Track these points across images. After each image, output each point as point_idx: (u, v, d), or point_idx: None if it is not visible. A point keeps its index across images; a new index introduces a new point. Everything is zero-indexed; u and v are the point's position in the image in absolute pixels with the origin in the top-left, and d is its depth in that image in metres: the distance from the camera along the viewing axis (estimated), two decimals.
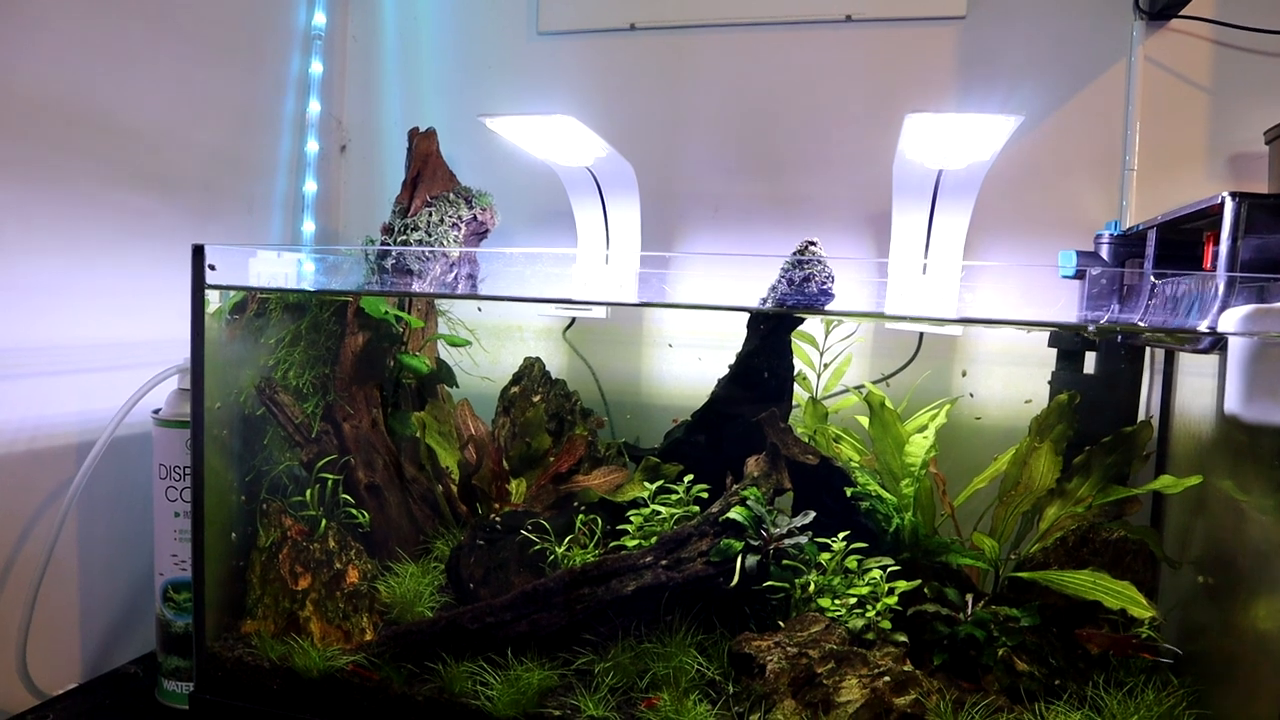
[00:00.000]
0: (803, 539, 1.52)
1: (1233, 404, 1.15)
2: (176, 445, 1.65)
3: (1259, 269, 1.20)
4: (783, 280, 1.49)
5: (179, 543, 1.66)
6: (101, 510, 1.78)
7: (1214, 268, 1.24)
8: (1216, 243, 1.24)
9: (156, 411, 1.68)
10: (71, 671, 1.77)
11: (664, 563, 1.52)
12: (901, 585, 1.49)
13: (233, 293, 1.70)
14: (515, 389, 2.01)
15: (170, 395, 1.70)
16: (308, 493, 1.70)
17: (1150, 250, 1.50)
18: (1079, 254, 1.63)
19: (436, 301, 2.00)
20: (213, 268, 1.53)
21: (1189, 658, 1.46)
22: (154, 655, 1.74)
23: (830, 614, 1.46)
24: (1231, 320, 1.14)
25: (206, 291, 1.54)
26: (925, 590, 1.53)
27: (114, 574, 1.83)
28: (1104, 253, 1.68)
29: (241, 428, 1.71)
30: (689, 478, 1.69)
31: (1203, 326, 1.20)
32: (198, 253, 1.52)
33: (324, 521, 1.68)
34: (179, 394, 1.68)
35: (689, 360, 2.16)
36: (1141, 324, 1.35)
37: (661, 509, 1.66)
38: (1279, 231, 1.22)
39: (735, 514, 1.53)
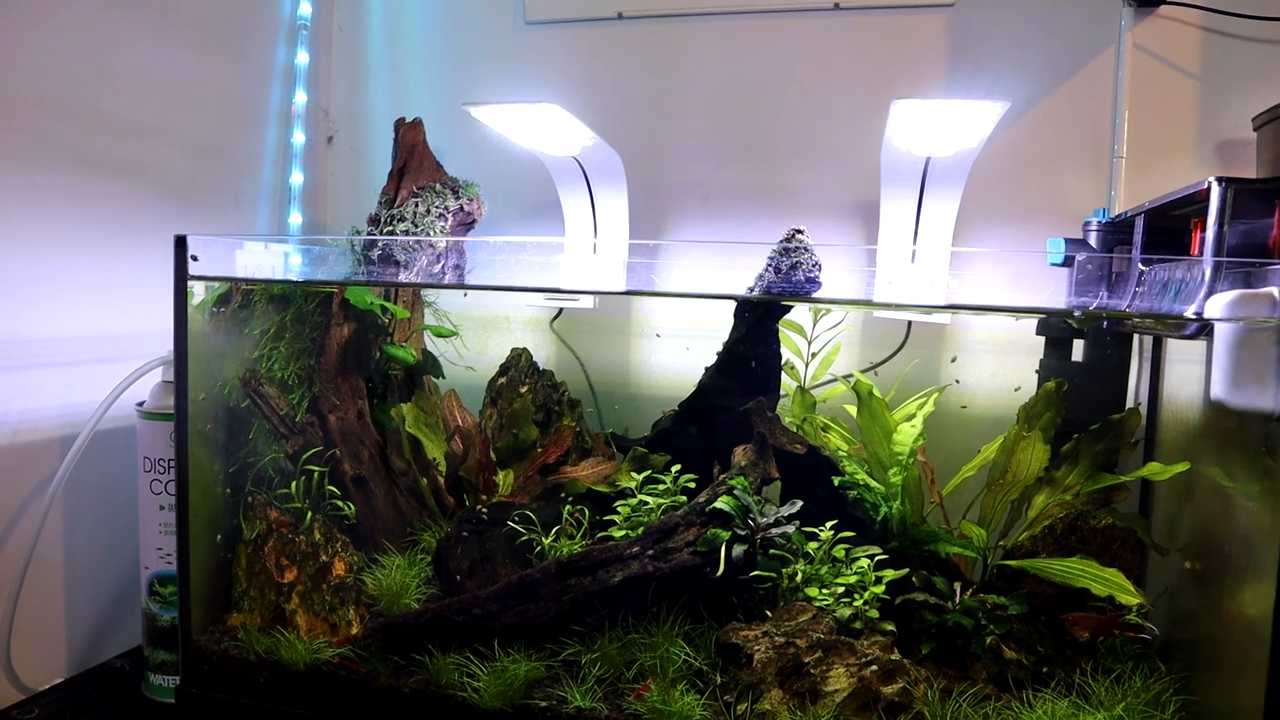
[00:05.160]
0: (790, 528, 1.52)
1: (1219, 390, 1.15)
2: (161, 438, 1.63)
3: (1246, 254, 1.20)
4: (770, 268, 1.48)
5: (164, 536, 1.65)
6: (86, 504, 1.76)
7: (1201, 253, 1.23)
8: (1204, 229, 1.23)
9: (140, 404, 1.67)
10: (57, 666, 1.76)
11: (651, 553, 1.51)
12: (889, 574, 1.48)
13: (217, 285, 1.69)
14: (502, 380, 2.00)
15: (154, 388, 1.68)
16: (293, 485, 1.69)
17: (1138, 237, 1.49)
18: (1067, 241, 1.62)
19: (423, 292, 1.98)
20: (195, 258, 1.52)
21: (1176, 644, 1.45)
22: (140, 649, 1.73)
23: (818, 603, 1.45)
24: (1218, 305, 1.13)
25: (190, 283, 1.53)
26: (913, 579, 1.52)
27: (99, 568, 1.82)
28: (1092, 240, 1.68)
29: (226, 420, 1.70)
30: (676, 468, 1.68)
31: (1189, 312, 1.20)
32: (180, 243, 1.51)
33: (310, 514, 1.67)
34: (163, 386, 1.67)
35: (677, 350, 2.15)
36: (1129, 309, 1.34)
37: (649, 499, 1.65)
38: (1266, 216, 1.21)
39: (722, 503, 1.52)
